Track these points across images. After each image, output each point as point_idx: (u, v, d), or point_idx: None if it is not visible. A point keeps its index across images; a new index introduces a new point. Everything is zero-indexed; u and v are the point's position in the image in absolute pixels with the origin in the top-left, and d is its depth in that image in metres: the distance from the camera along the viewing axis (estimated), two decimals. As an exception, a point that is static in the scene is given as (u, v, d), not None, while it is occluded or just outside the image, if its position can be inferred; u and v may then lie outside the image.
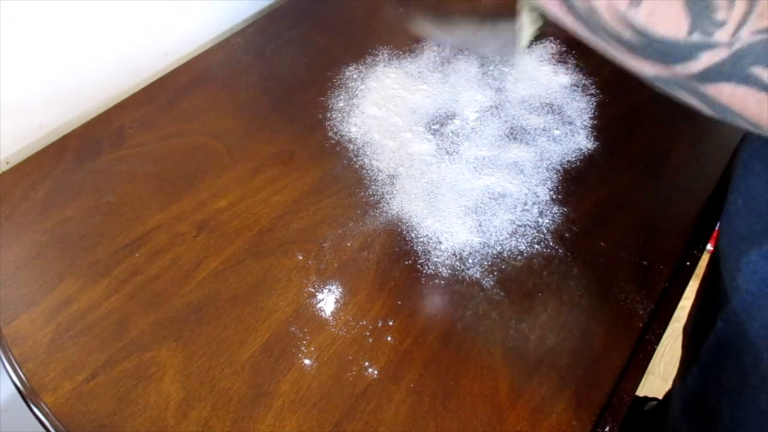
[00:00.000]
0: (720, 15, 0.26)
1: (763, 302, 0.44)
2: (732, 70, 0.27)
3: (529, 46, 0.51)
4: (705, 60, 0.28)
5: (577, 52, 0.79)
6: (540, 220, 0.61)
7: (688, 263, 0.59)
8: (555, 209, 0.62)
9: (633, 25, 0.29)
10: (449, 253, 0.58)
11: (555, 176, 0.65)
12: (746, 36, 0.26)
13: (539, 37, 0.49)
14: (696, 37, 0.27)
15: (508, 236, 0.60)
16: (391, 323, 0.53)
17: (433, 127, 0.70)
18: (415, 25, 0.53)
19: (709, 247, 0.62)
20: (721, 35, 0.27)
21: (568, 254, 0.58)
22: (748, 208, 0.45)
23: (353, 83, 0.74)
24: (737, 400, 0.50)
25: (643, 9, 0.29)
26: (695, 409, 0.58)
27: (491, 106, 0.72)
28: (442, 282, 0.56)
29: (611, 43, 0.32)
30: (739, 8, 0.26)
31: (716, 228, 0.62)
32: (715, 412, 0.52)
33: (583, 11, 0.31)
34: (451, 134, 0.69)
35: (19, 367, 0.49)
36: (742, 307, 0.46)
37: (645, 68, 0.31)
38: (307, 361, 0.51)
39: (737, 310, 0.47)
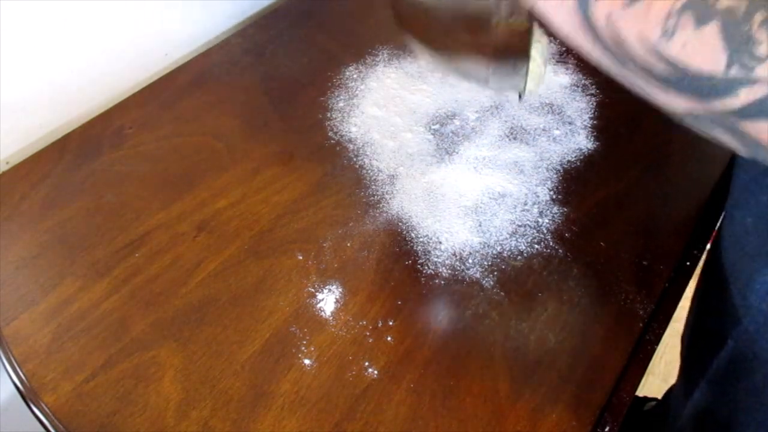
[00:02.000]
0: (761, 50, 0.25)
1: None
2: None
3: (536, 88, 0.49)
4: (744, 96, 0.26)
5: (577, 52, 0.78)
6: (540, 220, 0.61)
7: (688, 263, 0.59)
8: (555, 209, 0.62)
9: (665, 58, 0.28)
10: (449, 253, 0.58)
11: (555, 176, 0.65)
12: None
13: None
14: (734, 72, 0.26)
15: (508, 236, 0.60)
16: (391, 323, 0.53)
17: (433, 127, 0.70)
18: (418, 58, 0.51)
19: (710, 247, 0.62)
20: (762, 71, 0.25)
21: (568, 254, 0.58)
22: (760, 227, 0.44)
23: (353, 83, 0.74)
24: (750, 418, 0.50)
25: (677, 40, 0.27)
26: (706, 422, 0.57)
27: (491, 106, 0.72)
28: (442, 282, 0.56)
29: (639, 77, 0.30)
30: None
31: (715, 228, 0.62)
32: (726, 427, 0.52)
33: (610, 42, 0.30)
34: (451, 134, 0.69)
35: (19, 367, 0.49)
36: (755, 326, 0.46)
37: (676, 103, 0.29)
38: (307, 361, 0.51)
39: (749, 329, 0.46)
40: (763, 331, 0.45)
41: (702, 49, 0.26)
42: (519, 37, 0.38)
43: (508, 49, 0.39)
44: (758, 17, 0.25)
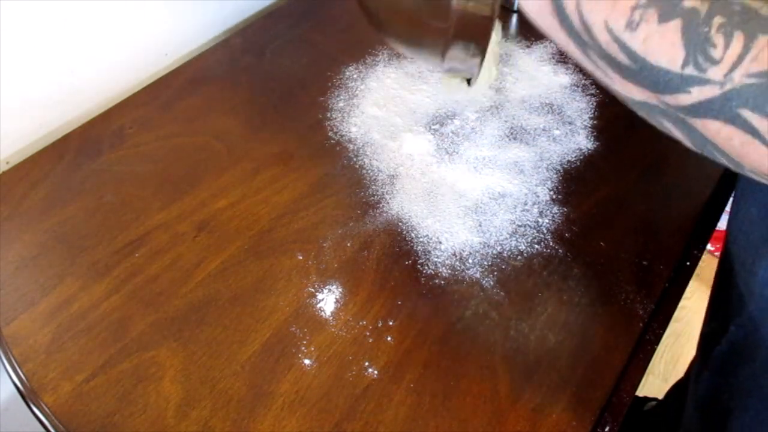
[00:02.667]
0: (716, 52, 0.26)
1: None
2: (721, 108, 0.27)
3: (488, 78, 0.51)
4: (695, 94, 0.28)
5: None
6: (540, 220, 0.61)
7: (688, 263, 0.59)
8: (555, 209, 0.62)
9: (627, 48, 0.29)
10: (449, 253, 0.58)
11: (555, 176, 0.65)
12: (738, 78, 0.26)
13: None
14: (689, 71, 0.27)
15: (508, 236, 0.60)
16: (391, 323, 0.53)
17: (433, 127, 0.69)
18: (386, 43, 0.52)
19: (710, 247, 0.62)
20: (714, 73, 0.27)
21: (568, 254, 0.58)
22: (764, 216, 0.44)
23: (353, 83, 0.74)
24: (747, 404, 0.50)
25: (640, 33, 0.28)
26: (707, 412, 0.58)
27: (491, 106, 0.72)
28: (442, 282, 0.56)
29: (600, 64, 0.31)
30: (735, 48, 0.26)
31: (715, 228, 0.62)
32: (725, 415, 0.52)
33: (577, 27, 0.31)
34: (451, 134, 0.69)
35: (19, 367, 0.49)
36: (757, 312, 0.46)
37: (633, 92, 0.31)
38: (307, 361, 0.51)
39: (752, 315, 0.47)
40: (765, 317, 0.45)
41: (662, 45, 0.28)
42: (479, 21, 0.38)
43: (466, 32, 0.40)
44: (717, 20, 0.26)
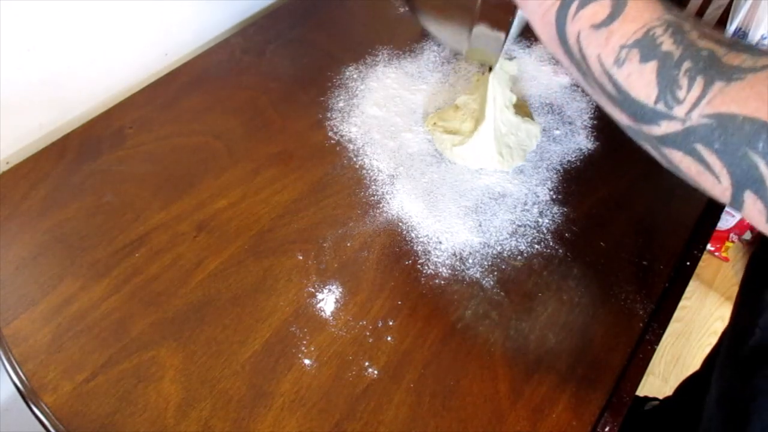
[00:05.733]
0: (680, 93, 0.31)
1: None
2: (682, 142, 0.31)
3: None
4: (663, 127, 0.32)
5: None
6: (540, 220, 0.61)
7: (688, 263, 0.59)
8: (555, 209, 0.62)
9: (614, 81, 0.33)
10: (449, 253, 0.58)
11: (555, 176, 0.65)
12: (696, 117, 0.30)
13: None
14: (660, 107, 0.32)
15: (508, 236, 0.60)
16: (391, 323, 0.53)
17: (433, 127, 0.69)
18: (414, 22, 0.58)
19: (710, 247, 0.62)
20: (678, 111, 0.31)
21: (568, 254, 0.58)
22: None
23: (353, 83, 0.74)
24: (765, 403, 0.50)
25: (624, 70, 0.33)
26: (729, 411, 0.58)
27: (491, 106, 0.72)
28: (442, 282, 0.56)
29: (595, 90, 0.36)
30: (695, 92, 0.30)
31: (715, 228, 0.62)
32: (745, 414, 0.53)
33: (576, 57, 0.36)
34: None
35: (19, 367, 0.49)
36: None
37: (620, 118, 0.35)
38: (307, 361, 0.51)
39: None
40: None
41: (640, 82, 0.32)
42: (504, 8, 0.43)
43: (491, 17, 0.44)
44: (686, 65, 0.31)
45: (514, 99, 0.65)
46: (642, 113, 0.33)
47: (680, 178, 0.35)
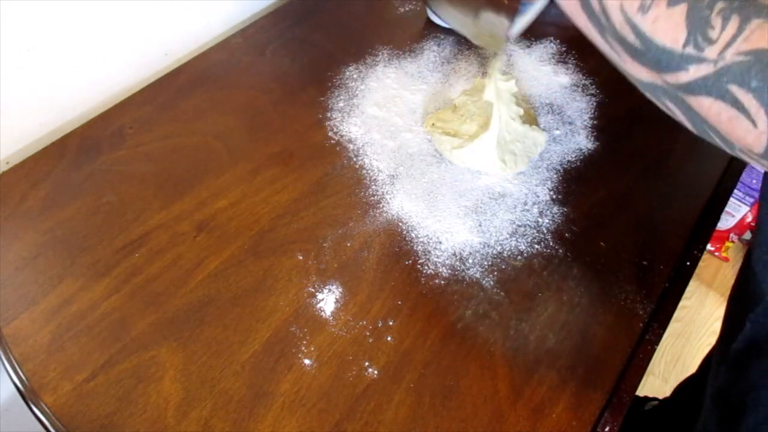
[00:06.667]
0: (713, 33, 0.29)
1: None
2: (713, 85, 0.30)
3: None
4: (692, 72, 0.30)
5: (577, 52, 0.79)
6: (540, 220, 0.61)
7: (688, 263, 0.59)
8: (555, 209, 0.62)
9: (638, 30, 0.32)
10: (449, 253, 0.58)
11: (555, 176, 0.65)
12: (730, 56, 0.29)
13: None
14: (689, 50, 0.30)
15: (508, 236, 0.60)
16: (391, 323, 0.53)
17: (433, 127, 0.69)
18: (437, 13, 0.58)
19: (710, 247, 0.62)
20: (710, 52, 0.29)
21: (568, 254, 0.58)
22: None
23: (353, 83, 0.74)
24: (760, 398, 0.50)
25: (650, 16, 0.31)
26: (724, 407, 0.58)
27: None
28: (442, 282, 0.56)
29: (614, 46, 0.34)
30: (730, 29, 0.29)
31: (715, 228, 0.62)
32: (741, 409, 0.53)
33: (596, 10, 0.34)
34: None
35: (19, 367, 0.49)
36: None
37: (640, 73, 0.34)
38: (307, 361, 0.51)
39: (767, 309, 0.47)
40: None
41: (668, 26, 0.31)
42: None
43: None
44: (719, 5, 0.29)
45: (521, 112, 0.65)
46: (667, 61, 0.31)
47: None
